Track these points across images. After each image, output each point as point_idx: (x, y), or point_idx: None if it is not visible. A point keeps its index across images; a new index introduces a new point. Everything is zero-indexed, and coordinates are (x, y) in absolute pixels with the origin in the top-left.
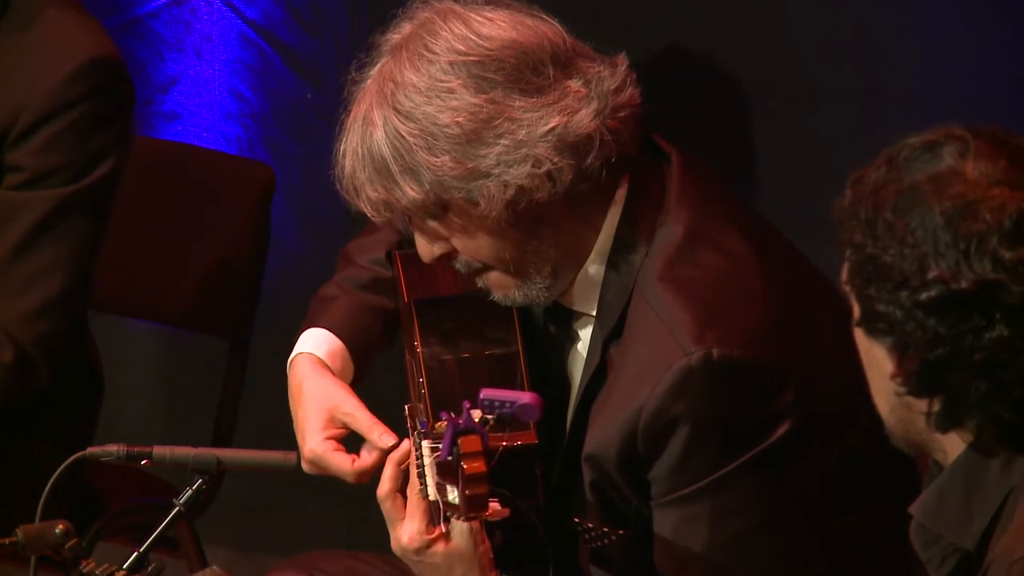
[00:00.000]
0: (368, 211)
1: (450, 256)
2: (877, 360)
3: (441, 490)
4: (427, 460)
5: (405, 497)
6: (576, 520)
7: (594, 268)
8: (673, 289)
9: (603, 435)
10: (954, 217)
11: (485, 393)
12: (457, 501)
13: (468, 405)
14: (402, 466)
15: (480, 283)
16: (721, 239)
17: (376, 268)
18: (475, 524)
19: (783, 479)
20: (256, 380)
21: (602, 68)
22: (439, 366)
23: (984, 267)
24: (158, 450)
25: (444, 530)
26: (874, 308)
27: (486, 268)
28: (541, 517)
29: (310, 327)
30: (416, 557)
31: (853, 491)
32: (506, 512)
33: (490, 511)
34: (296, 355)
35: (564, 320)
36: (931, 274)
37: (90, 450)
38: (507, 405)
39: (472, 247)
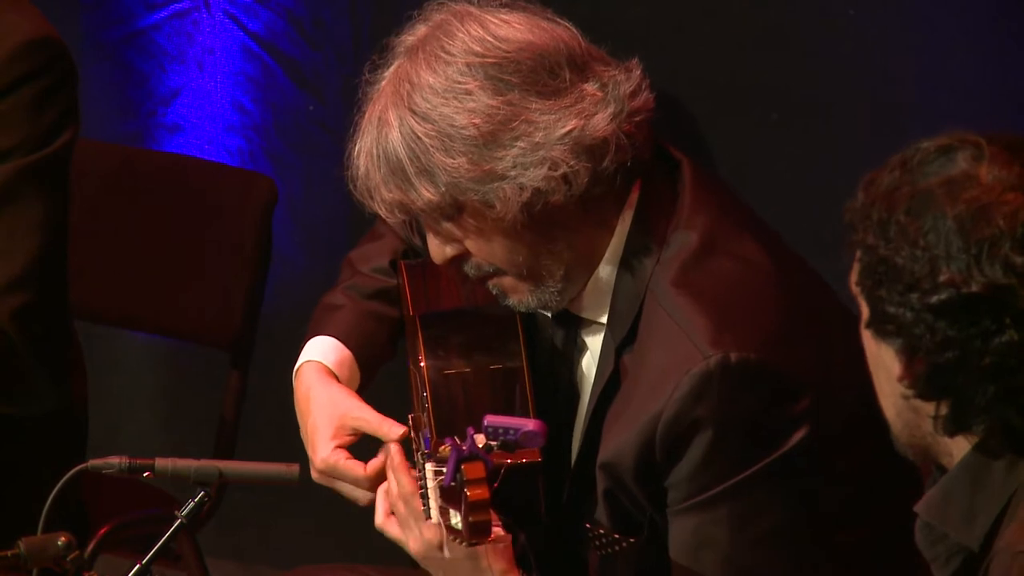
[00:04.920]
0: (383, 212)
1: (462, 259)
2: (885, 363)
3: (444, 513)
4: (430, 483)
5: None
6: (588, 526)
7: (605, 273)
8: (689, 294)
9: (619, 442)
10: (967, 221)
11: (489, 420)
12: (460, 526)
13: (472, 431)
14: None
15: (493, 289)
16: (736, 246)
17: (380, 277)
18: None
19: (800, 485)
20: (258, 392)
21: (617, 72)
22: (443, 381)
23: (995, 272)
24: (160, 462)
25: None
26: (884, 310)
27: (498, 272)
28: (538, 543)
29: (316, 335)
30: (438, 554)
31: (866, 500)
32: (508, 538)
33: (493, 536)
34: (302, 363)
35: (572, 328)
36: (942, 277)
37: (92, 462)
38: (511, 432)
39: (486, 250)
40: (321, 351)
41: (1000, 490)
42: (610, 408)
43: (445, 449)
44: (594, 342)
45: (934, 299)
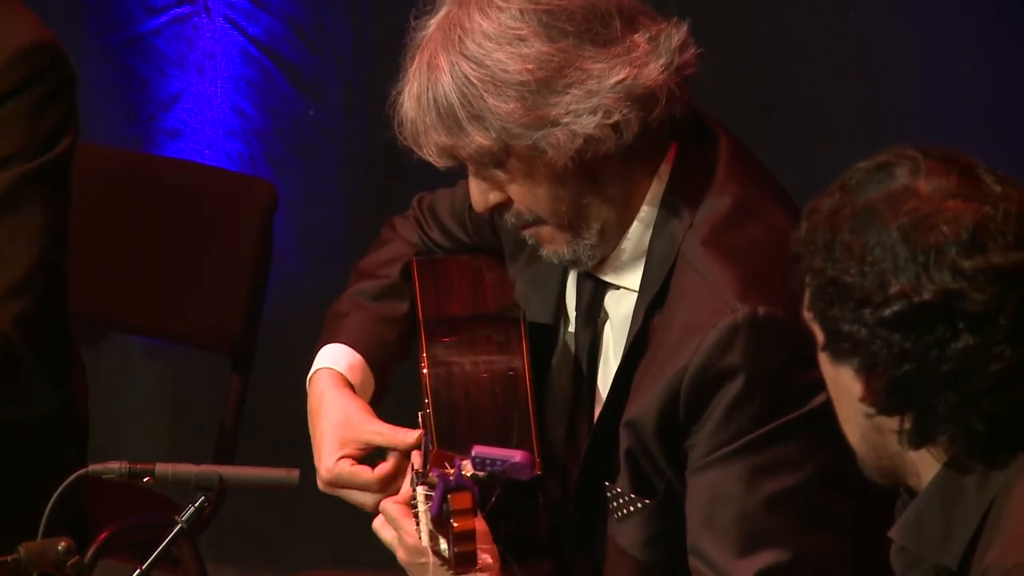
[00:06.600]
0: (432, 157)
1: (503, 207)
2: (845, 385)
3: (434, 539)
4: (421, 507)
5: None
6: (607, 484)
7: (636, 235)
8: (718, 253)
9: (645, 400)
10: (911, 232)
11: (477, 450)
12: (447, 554)
13: (459, 461)
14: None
15: (530, 239)
16: (768, 215)
17: (387, 276)
18: (482, 526)
19: (817, 448)
20: (258, 397)
21: (666, 26)
22: (444, 388)
23: (944, 278)
24: (160, 467)
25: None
26: (838, 330)
27: (538, 221)
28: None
29: (327, 343)
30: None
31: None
32: (496, 565)
33: (480, 564)
34: (316, 371)
35: (599, 292)
36: (892, 289)
37: (92, 467)
38: (499, 463)
39: (530, 197)
40: (332, 358)
41: (974, 506)
42: (637, 369)
43: (434, 476)
44: (617, 307)
45: (887, 312)
